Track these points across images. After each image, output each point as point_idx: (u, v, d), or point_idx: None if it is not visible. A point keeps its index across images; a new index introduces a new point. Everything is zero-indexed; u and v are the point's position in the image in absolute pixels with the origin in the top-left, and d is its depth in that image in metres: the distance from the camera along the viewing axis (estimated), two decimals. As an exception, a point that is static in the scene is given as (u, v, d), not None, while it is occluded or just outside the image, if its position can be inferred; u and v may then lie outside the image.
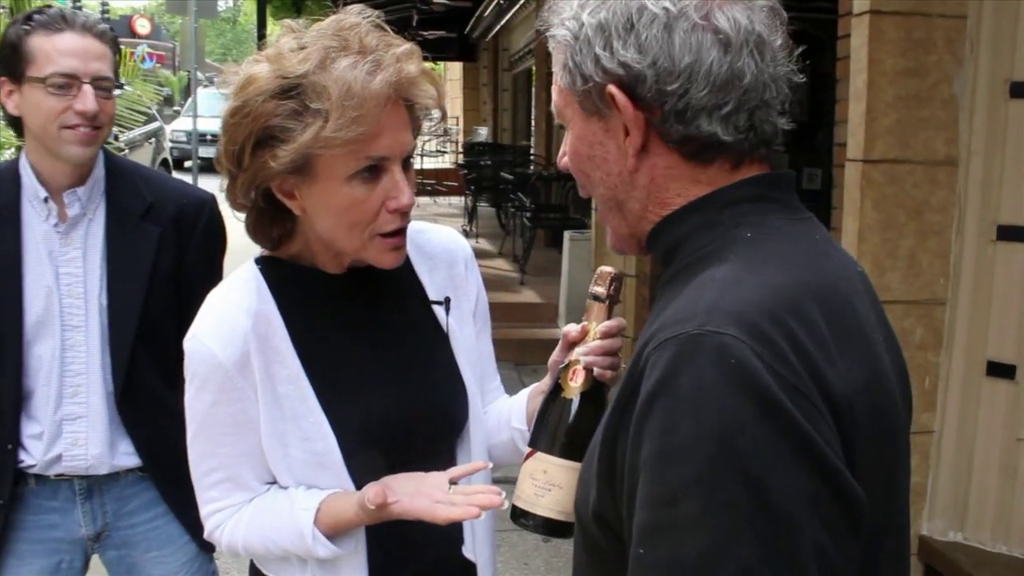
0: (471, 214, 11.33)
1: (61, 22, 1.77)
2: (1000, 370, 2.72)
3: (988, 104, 2.63)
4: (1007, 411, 2.73)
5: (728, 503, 0.72)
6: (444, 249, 1.47)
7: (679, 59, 0.85)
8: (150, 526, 1.95)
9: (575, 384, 1.13)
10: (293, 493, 1.29)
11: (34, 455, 1.85)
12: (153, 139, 11.47)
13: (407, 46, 1.24)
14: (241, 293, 1.31)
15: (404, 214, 1.25)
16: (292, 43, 1.20)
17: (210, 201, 1.98)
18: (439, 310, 1.41)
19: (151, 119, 10.47)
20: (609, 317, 1.17)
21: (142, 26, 36.95)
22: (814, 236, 0.92)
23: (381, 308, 1.38)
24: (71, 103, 1.75)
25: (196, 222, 1.93)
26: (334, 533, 1.26)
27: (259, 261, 1.36)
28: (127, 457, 1.90)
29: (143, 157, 11.18)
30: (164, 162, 12.56)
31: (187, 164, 16.69)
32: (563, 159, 1.00)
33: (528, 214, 8.51)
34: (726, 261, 0.85)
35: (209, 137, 17.08)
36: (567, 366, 1.15)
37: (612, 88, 0.88)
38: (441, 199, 14.50)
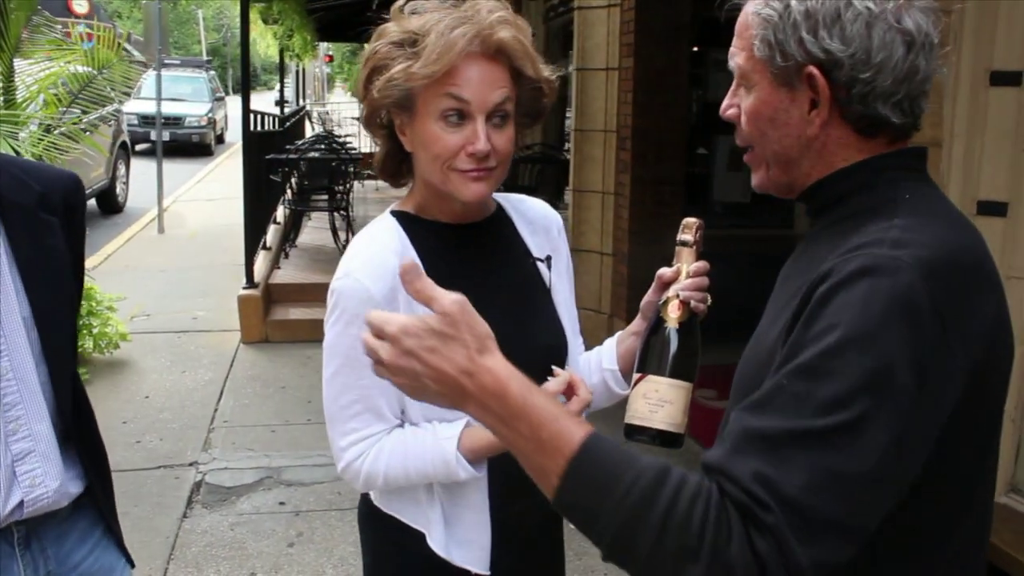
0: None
1: None
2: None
3: (970, 91, 2.88)
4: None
5: (865, 367, 0.90)
6: (542, 215, 1.67)
7: (875, 54, 1.02)
8: (91, 559, 1.72)
9: (675, 316, 1.32)
10: (435, 426, 1.47)
11: None
12: (112, 121, 11.33)
13: (499, 14, 1.43)
14: (386, 237, 1.51)
15: (480, 159, 1.43)
16: (417, 8, 1.44)
17: (79, 179, 1.79)
18: (542, 266, 1.61)
19: (108, 101, 10.36)
20: (697, 260, 1.39)
21: (79, 5, 36.05)
22: (951, 202, 1.11)
23: (496, 260, 1.58)
24: None
25: (77, 203, 1.74)
26: (474, 458, 1.45)
27: (393, 214, 1.55)
28: (73, 483, 1.66)
29: (102, 141, 11.05)
30: (123, 145, 12.42)
31: (139, 148, 16.50)
32: (729, 111, 1.17)
33: (498, 195, 8.67)
34: (897, 215, 1.02)
35: (163, 121, 16.84)
36: (666, 302, 1.34)
37: (813, 69, 1.04)
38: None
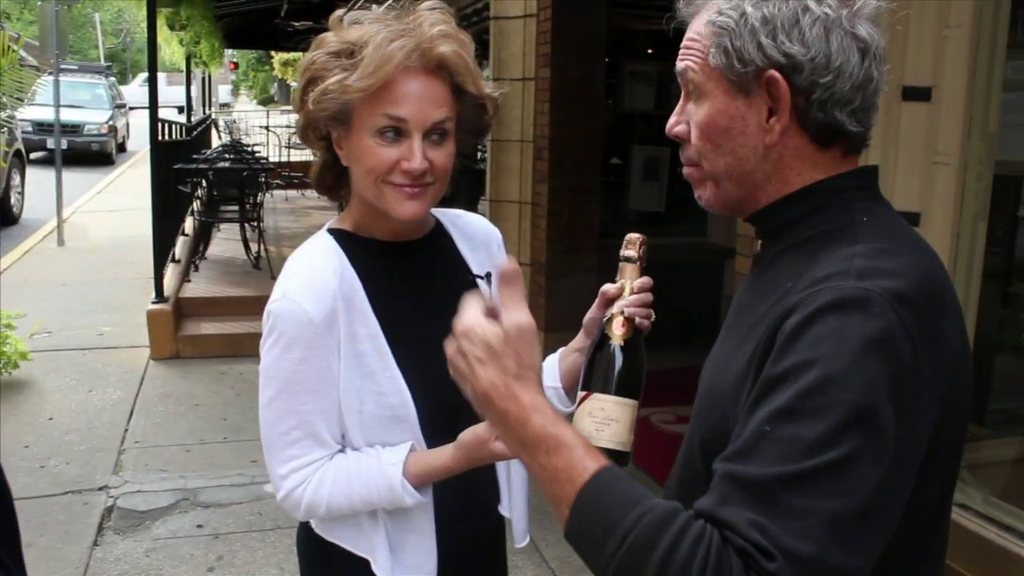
0: (344, 205, 11.29)
1: None
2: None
3: (884, 106, 2.95)
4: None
5: (848, 403, 0.89)
6: (481, 231, 1.64)
7: (834, 58, 1.02)
8: None
9: (620, 333, 1.29)
10: (378, 451, 1.42)
11: None
12: (5, 129, 10.84)
13: (441, 27, 1.39)
14: (325, 256, 1.45)
15: (415, 176, 1.39)
16: (357, 19, 1.40)
17: None
18: (482, 284, 1.58)
19: (1, 107, 9.93)
20: (640, 276, 1.38)
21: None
22: (905, 222, 1.10)
23: (436, 278, 1.54)
24: None
25: None
26: (419, 483, 1.41)
27: (330, 231, 1.50)
28: None
29: (-4, 148, 10.58)
30: (17, 153, 11.90)
31: (34, 156, 15.83)
32: (677, 127, 1.14)
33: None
34: (858, 240, 1.01)
35: (61, 128, 16.19)
36: (610, 319, 1.32)
37: (773, 72, 1.03)
38: (310, 192, 14.34)
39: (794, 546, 0.86)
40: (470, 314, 1.06)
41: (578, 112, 5.80)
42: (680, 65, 1.13)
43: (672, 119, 1.16)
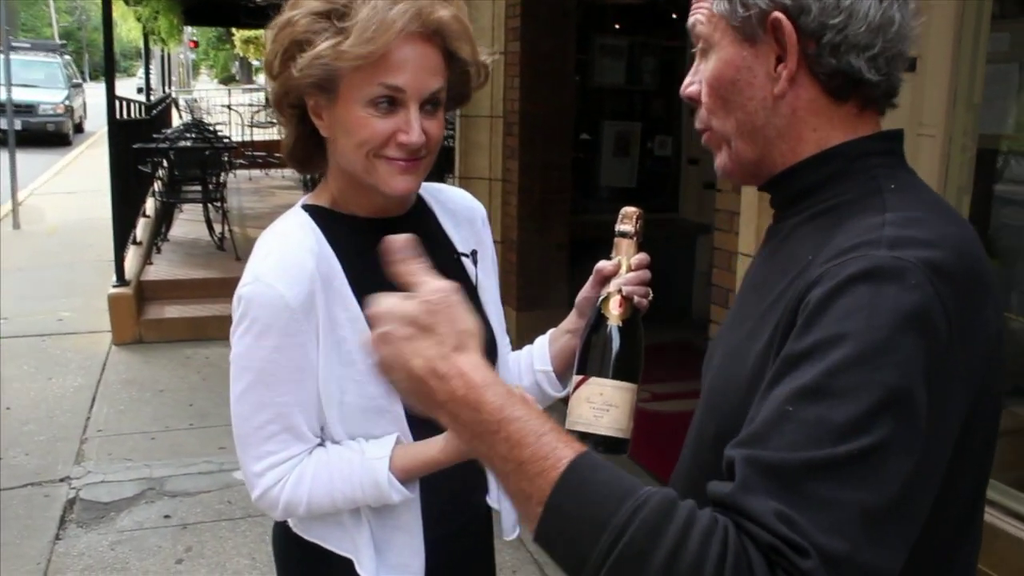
0: (310, 185, 11.13)
1: None
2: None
3: (867, 75, 2.90)
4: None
5: (882, 385, 0.81)
6: (465, 207, 1.54)
7: None
8: None
9: (617, 312, 1.21)
10: (362, 445, 1.33)
11: None
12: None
13: None
14: (300, 235, 1.34)
15: (411, 150, 1.30)
16: None
17: None
18: (467, 262, 1.49)
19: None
20: (637, 252, 1.29)
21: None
22: (935, 192, 1.02)
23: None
24: None
25: None
26: (406, 478, 1.31)
27: (305, 208, 1.39)
28: None
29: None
30: (-30, 134, 11.56)
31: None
32: (690, 88, 1.06)
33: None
34: (887, 208, 0.92)
35: (13, 108, 15.76)
36: (606, 298, 1.24)
37: (778, 14, 0.94)
38: (274, 172, 14.11)
39: (826, 542, 0.78)
40: (383, 299, 0.94)
41: (548, 87, 5.71)
42: (690, 20, 1.06)
43: (685, 80, 1.08)
